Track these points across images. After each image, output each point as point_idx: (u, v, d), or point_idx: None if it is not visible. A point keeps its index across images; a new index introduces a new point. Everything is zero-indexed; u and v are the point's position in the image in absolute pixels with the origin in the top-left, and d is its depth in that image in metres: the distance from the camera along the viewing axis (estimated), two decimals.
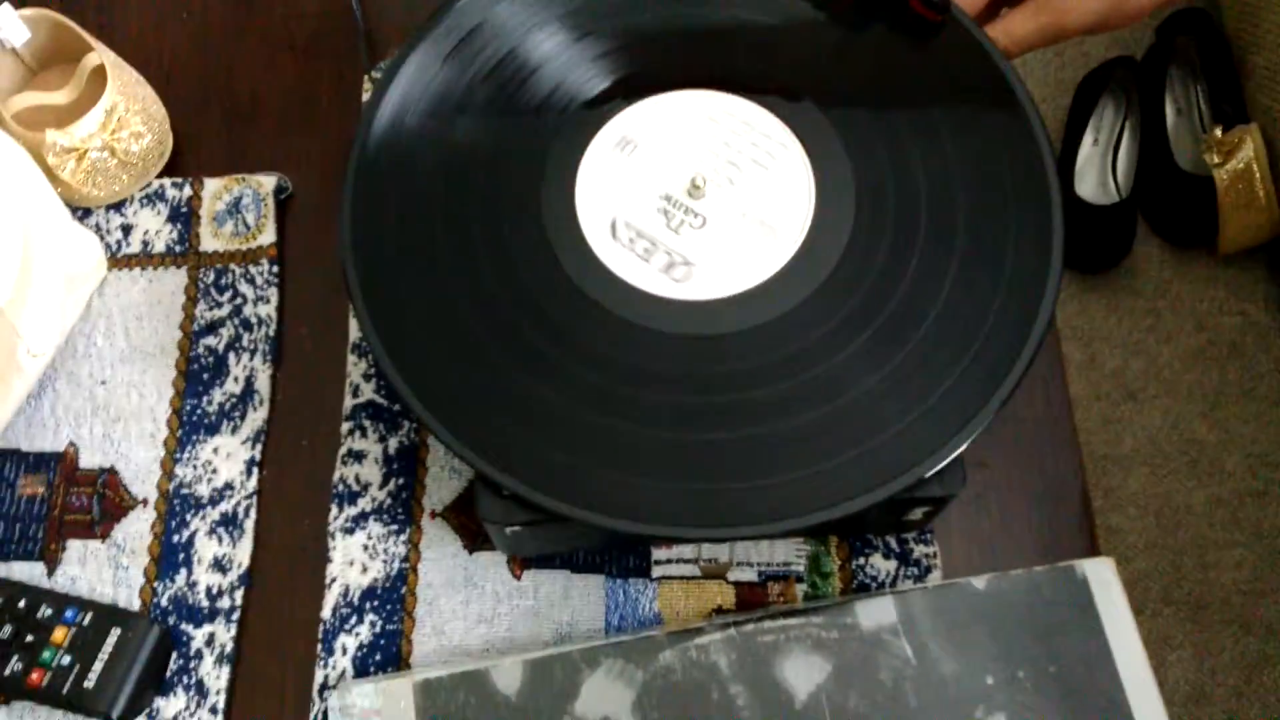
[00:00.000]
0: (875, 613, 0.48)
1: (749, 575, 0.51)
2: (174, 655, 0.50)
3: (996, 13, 0.55)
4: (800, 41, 0.51)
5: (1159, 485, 1.03)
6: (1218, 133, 1.03)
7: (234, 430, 0.54)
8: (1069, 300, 1.09)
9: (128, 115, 0.56)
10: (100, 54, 0.57)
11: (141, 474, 0.53)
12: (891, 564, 0.51)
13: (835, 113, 0.50)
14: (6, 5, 0.56)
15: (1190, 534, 1.00)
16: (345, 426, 0.53)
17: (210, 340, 0.55)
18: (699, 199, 0.48)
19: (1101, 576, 0.49)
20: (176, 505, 0.53)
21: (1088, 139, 1.14)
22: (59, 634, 0.48)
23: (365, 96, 0.60)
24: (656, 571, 0.51)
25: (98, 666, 0.48)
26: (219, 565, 0.51)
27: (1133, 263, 1.11)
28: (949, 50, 0.51)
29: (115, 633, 0.49)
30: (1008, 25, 0.53)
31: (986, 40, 0.51)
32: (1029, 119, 0.49)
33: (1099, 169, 1.14)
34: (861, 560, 0.51)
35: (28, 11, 0.57)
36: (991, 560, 0.52)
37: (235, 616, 0.50)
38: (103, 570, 0.52)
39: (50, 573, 0.52)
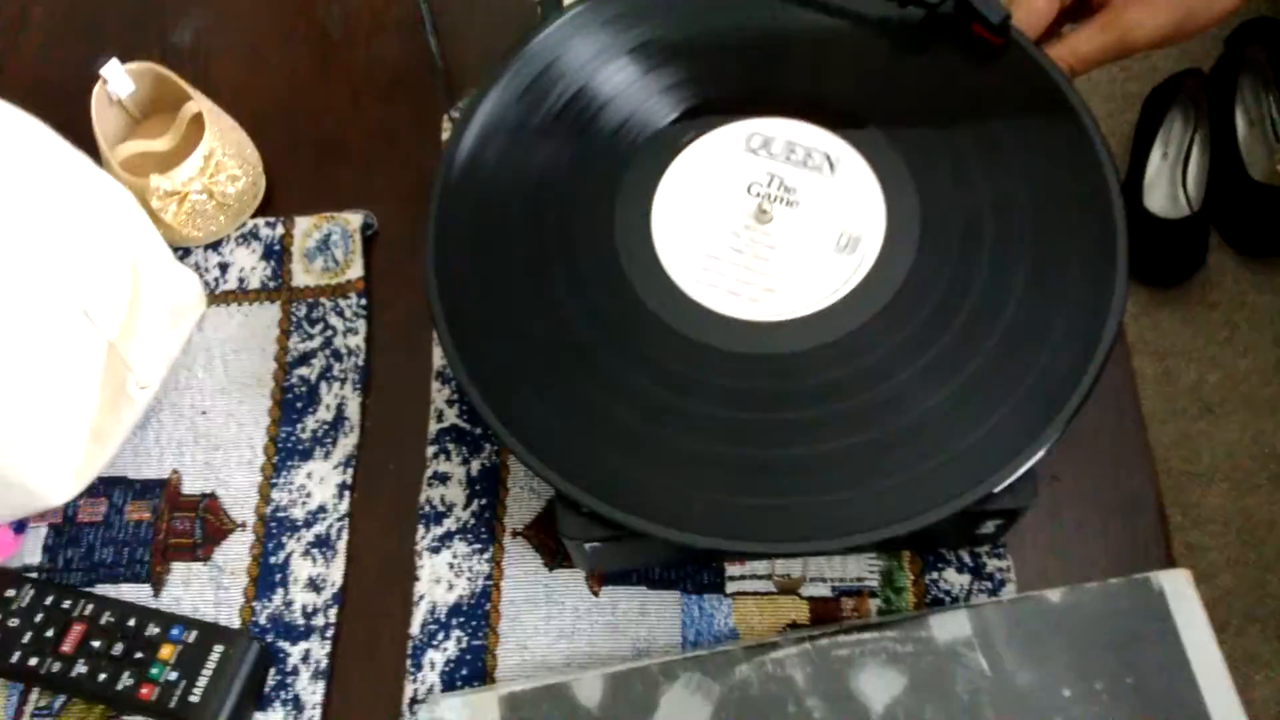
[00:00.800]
0: (950, 626, 0.49)
1: (822, 590, 0.52)
2: (272, 671, 0.53)
3: (1059, 30, 0.56)
4: (866, 67, 0.53)
5: (1240, 501, 1.01)
6: None
7: (326, 455, 0.56)
8: (1142, 315, 1.08)
9: (224, 159, 0.60)
10: (198, 102, 0.61)
11: (240, 499, 0.56)
12: (965, 578, 0.51)
13: (900, 135, 0.51)
14: (114, 61, 0.60)
15: (1274, 550, 0.98)
16: (430, 450, 0.56)
17: (303, 370, 0.58)
18: (767, 223, 0.50)
19: (1178, 588, 0.49)
20: (273, 528, 0.55)
21: (1156, 152, 1.13)
22: (166, 651, 0.51)
23: (444, 135, 0.63)
24: (731, 587, 0.52)
25: (202, 681, 0.50)
26: (313, 585, 0.54)
27: (1206, 275, 1.10)
28: (1011, 71, 0.52)
29: (218, 649, 0.51)
30: (1073, 44, 0.53)
31: (1048, 61, 0.51)
32: (1092, 140, 0.50)
33: (1169, 182, 1.13)
34: (935, 575, 0.52)
35: (133, 65, 0.61)
36: (1066, 573, 0.52)
37: (329, 634, 0.53)
38: (205, 591, 0.54)
39: (156, 593, 0.55)
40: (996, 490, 0.44)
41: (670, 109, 0.52)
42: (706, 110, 0.52)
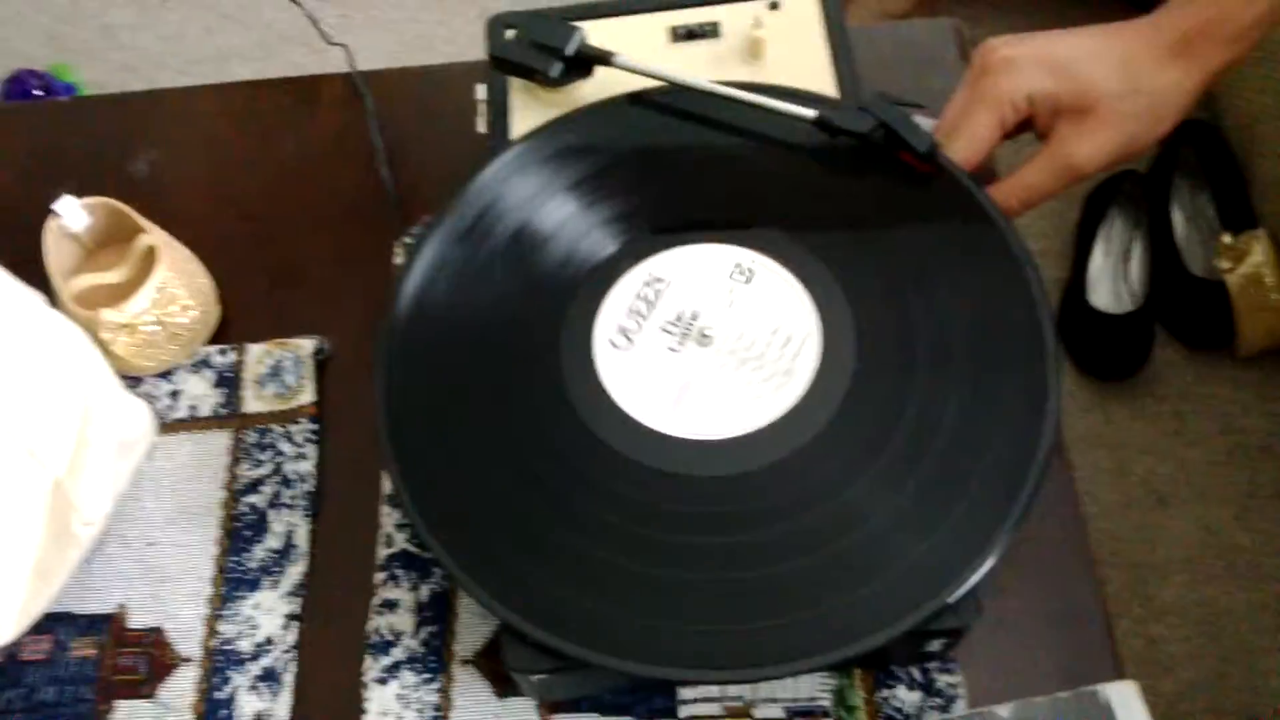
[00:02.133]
0: None
1: (775, 712, 0.52)
2: None
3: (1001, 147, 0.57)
4: (801, 192, 0.55)
5: (1198, 591, 1.02)
6: (1226, 239, 1.05)
7: (274, 585, 0.56)
8: (1093, 409, 1.10)
9: (177, 291, 0.61)
10: (152, 235, 0.61)
11: (187, 632, 0.55)
12: (916, 695, 0.52)
13: (834, 259, 0.53)
14: (68, 196, 0.61)
15: (1235, 641, 0.99)
16: (379, 576, 0.56)
17: (253, 498, 0.58)
18: (708, 347, 0.51)
19: (1125, 699, 0.49)
20: (220, 661, 0.55)
21: (1098, 250, 1.17)
22: None
23: (398, 259, 0.64)
24: (683, 711, 0.52)
25: None
26: None
27: (1154, 369, 1.12)
28: (942, 195, 0.54)
29: None
30: (1022, 177, 0.54)
31: (973, 184, 0.54)
32: (1015, 254, 0.51)
33: (1112, 278, 1.16)
34: (886, 693, 0.52)
35: (88, 200, 0.62)
36: (1016, 686, 0.52)
37: None
38: None
39: None
40: (942, 608, 0.45)
41: (611, 241, 0.54)
42: (645, 240, 0.54)
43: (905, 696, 0.52)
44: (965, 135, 0.54)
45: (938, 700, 0.51)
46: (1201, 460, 1.08)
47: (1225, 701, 0.96)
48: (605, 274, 0.53)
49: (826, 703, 0.52)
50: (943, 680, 0.52)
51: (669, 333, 0.51)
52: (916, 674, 0.52)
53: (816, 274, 0.52)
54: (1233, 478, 1.06)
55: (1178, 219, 1.16)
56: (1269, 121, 1.06)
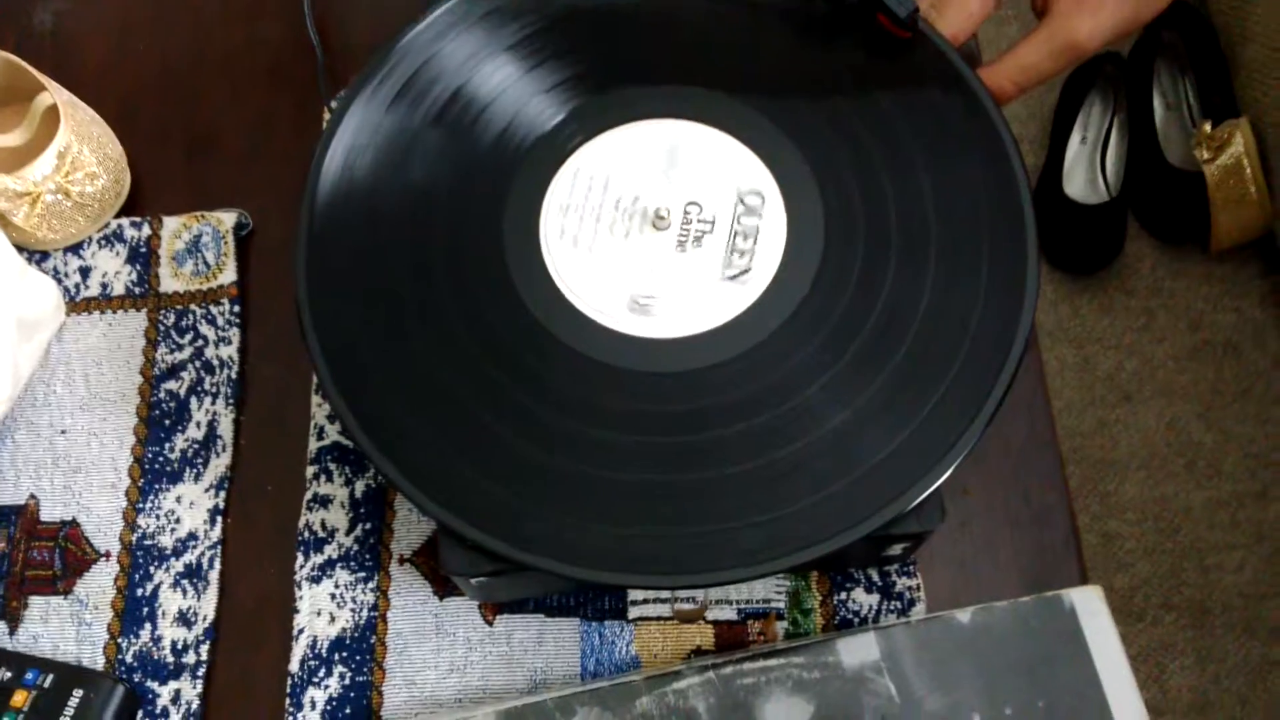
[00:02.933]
0: (858, 650, 0.47)
1: (728, 614, 0.50)
2: (140, 715, 0.49)
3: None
4: (765, 61, 0.50)
5: (1156, 489, 1.01)
6: (1207, 128, 1.01)
7: (197, 478, 0.52)
8: (1061, 302, 1.08)
9: (82, 156, 0.55)
10: (53, 94, 0.56)
11: (104, 526, 0.52)
12: (874, 598, 0.50)
13: (801, 135, 0.48)
14: None
15: (1190, 538, 0.99)
16: (310, 470, 0.52)
17: (171, 385, 0.54)
18: (664, 230, 0.47)
19: (1090, 606, 0.48)
20: (140, 557, 0.51)
21: (1075, 137, 1.13)
22: (19, 698, 0.47)
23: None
24: (633, 613, 0.50)
25: None
26: (184, 619, 0.50)
27: (1124, 262, 1.10)
28: (918, 65, 0.49)
29: (77, 694, 0.47)
30: (1018, 57, 0.50)
31: (955, 55, 0.49)
32: (999, 131, 0.47)
33: (1088, 167, 1.12)
34: (843, 595, 0.50)
35: None
36: (976, 590, 0.50)
37: (201, 672, 0.49)
38: (65, 627, 0.50)
39: (12, 631, 0.50)
40: (905, 511, 0.42)
41: (556, 109, 0.49)
42: (595, 111, 0.49)
43: (862, 599, 0.50)
44: (955, 5, 0.50)
45: (896, 604, 0.49)
46: (1168, 356, 1.06)
47: (1176, 597, 0.97)
48: (551, 148, 0.48)
49: (781, 604, 0.50)
50: (901, 583, 0.50)
51: (620, 216, 0.47)
52: (874, 576, 0.50)
53: (784, 151, 0.48)
54: (1198, 374, 1.05)
55: (1158, 106, 1.12)
56: (1259, 4, 1.01)
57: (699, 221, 0.47)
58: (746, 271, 0.46)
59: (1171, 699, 0.94)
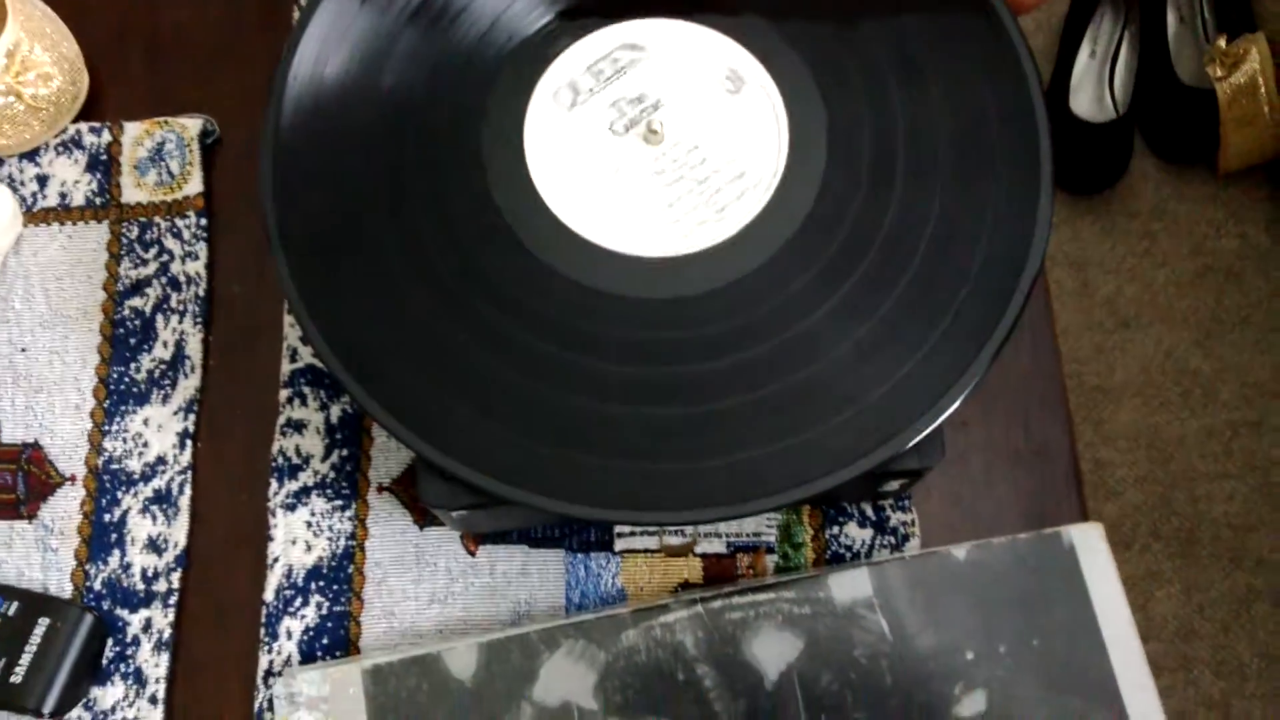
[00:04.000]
0: (849, 585, 0.46)
1: (717, 547, 0.48)
2: (110, 642, 0.47)
3: None
4: None
5: (1150, 417, 1.00)
6: (1222, 43, 0.97)
7: (165, 400, 0.50)
8: (1062, 224, 1.05)
9: (34, 55, 0.51)
10: None
11: (68, 448, 0.50)
12: (867, 533, 0.48)
13: (802, 41, 0.45)
14: None
15: (1181, 467, 0.98)
16: (284, 394, 0.50)
17: (136, 301, 0.51)
18: (657, 144, 0.44)
19: (1090, 543, 0.47)
20: (107, 482, 0.49)
21: (1084, 51, 1.08)
22: None
23: None
24: (619, 545, 0.48)
25: (26, 659, 0.45)
26: (154, 546, 0.48)
27: (1129, 182, 1.06)
28: None
29: (44, 622, 0.46)
30: None
31: None
32: (1015, 47, 0.44)
33: (1095, 83, 1.08)
34: (835, 529, 0.48)
35: None
36: (973, 526, 0.49)
37: (173, 600, 0.48)
38: (30, 553, 0.49)
39: None
40: (905, 449, 0.40)
41: (544, 8, 0.45)
42: (586, 11, 0.45)
43: (855, 534, 0.48)
44: None
45: (889, 539, 0.48)
46: (1168, 281, 1.04)
47: (1165, 526, 0.97)
48: (535, 52, 0.45)
49: (771, 538, 0.48)
50: (895, 518, 0.48)
51: (611, 128, 0.44)
52: (868, 510, 0.48)
53: (783, 60, 0.45)
54: (1198, 301, 1.03)
55: (1171, 19, 1.07)
56: None
57: (694, 166, 0.44)
58: (744, 181, 0.43)
59: (1156, 627, 0.95)
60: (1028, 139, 0.44)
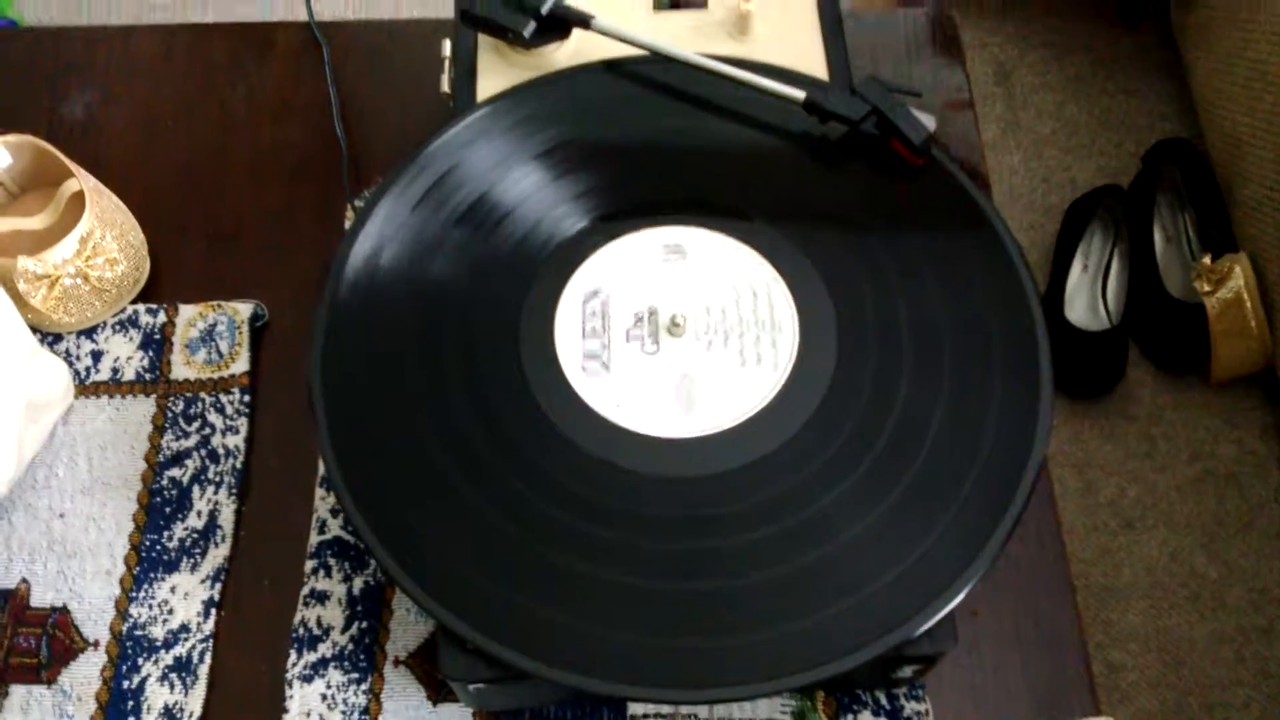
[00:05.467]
0: None
1: None
2: None
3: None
4: (782, 178, 0.51)
5: (1160, 620, 0.99)
6: (1207, 260, 1.03)
7: (194, 568, 0.51)
8: (1062, 426, 1.08)
9: (104, 242, 0.56)
10: (80, 179, 0.57)
11: (94, 614, 0.51)
12: None
13: (815, 249, 0.49)
14: None
15: (1194, 672, 0.97)
16: (309, 565, 0.51)
17: (175, 472, 0.54)
18: (679, 337, 0.47)
19: None
20: (129, 648, 0.50)
21: (1077, 265, 1.14)
22: None
23: (348, 224, 0.60)
24: None
25: None
26: (170, 715, 0.48)
27: (1126, 389, 1.10)
28: (931, 188, 0.50)
29: None
30: None
31: (967, 180, 0.50)
32: (1012, 258, 0.48)
33: (1089, 295, 1.14)
34: (850, 717, 0.48)
35: (10, 137, 0.57)
36: (986, 716, 0.49)
37: None
38: (46, 719, 0.49)
39: None
40: (916, 635, 0.41)
41: (579, 217, 0.50)
42: (615, 219, 0.50)
43: None
44: None
45: None
46: (1170, 485, 1.05)
47: None
48: (571, 253, 0.49)
49: None
50: (910, 707, 0.48)
51: (636, 321, 0.48)
52: (882, 699, 0.49)
53: (797, 266, 0.49)
54: (1200, 505, 1.04)
55: (1158, 238, 1.14)
56: (1254, 145, 1.04)
57: (713, 322, 0.47)
58: (770, 361, 0.46)
59: None
60: (1025, 338, 0.47)
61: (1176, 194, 1.15)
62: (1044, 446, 0.44)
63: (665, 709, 0.48)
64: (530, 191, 0.50)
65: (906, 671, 0.45)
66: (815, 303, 0.48)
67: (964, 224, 0.49)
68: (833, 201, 0.50)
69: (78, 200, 0.57)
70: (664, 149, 0.52)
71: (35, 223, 0.57)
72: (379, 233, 0.49)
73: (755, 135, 0.52)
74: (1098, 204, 1.15)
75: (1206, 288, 1.02)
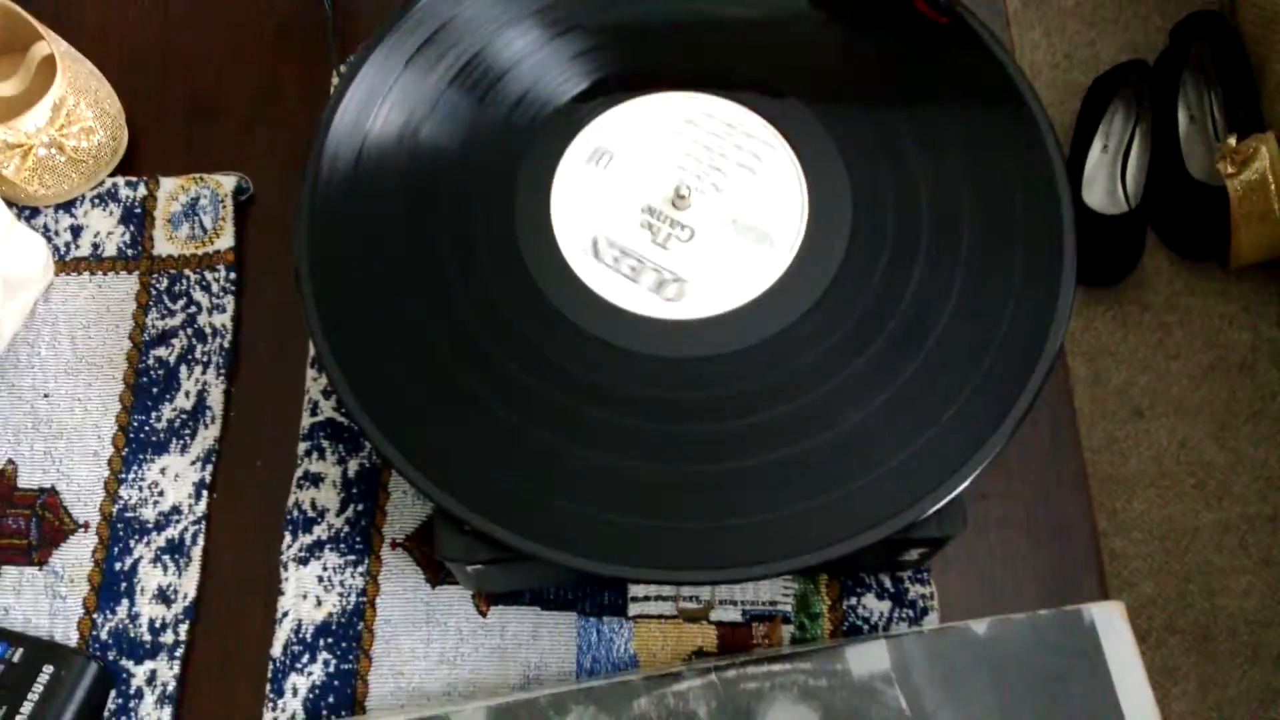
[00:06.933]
0: (867, 659, 0.45)
1: (732, 615, 0.47)
2: (112, 694, 0.46)
3: None
4: (794, 41, 0.48)
5: (1165, 508, 0.99)
6: (1232, 141, 0.99)
7: (183, 449, 0.50)
8: (1075, 314, 1.06)
9: (78, 109, 0.53)
10: (51, 43, 0.53)
11: (84, 495, 0.50)
12: (885, 605, 0.47)
13: (830, 118, 0.46)
14: None
15: (1197, 559, 0.97)
16: (302, 447, 0.50)
17: (161, 351, 0.52)
18: (684, 209, 0.45)
19: (1111, 622, 0.46)
20: (120, 530, 0.49)
21: (1097, 145, 1.11)
22: None
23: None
24: (633, 609, 0.47)
25: (27, 708, 0.44)
26: (163, 596, 0.48)
27: (1141, 275, 1.08)
28: (955, 53, 0.47)
29: (48, 670, 0.45)
30: None
31: (995, 42, 0.47)
32: (1040, 127, 0.45)
33: (1108, 177, 1.10)
34: (853, 600, 0.47)
35: None
36: (992, 601, 0.48)
37: (179, 653, 0.47)
38: (39, 600, 0.48)
39: None
40: (924, 516, 0.40)
41: (577, 79, 0.47)
42: (616, 82, 0.47)
43: (873, 605, 0.47)
44: None
45: (908, 612, 0.47)
46: (1182, 373, 1.04)
47: (1181, 620, 0.95)
48: (570, 118, 0.46)
49: (788, 607, 0.47)
50: (914, 590, 0.48)
51: (637, 192, 0.45)
52: (886, 582, 0.48)
53: (813, 138, 0.46)
54: (1212, 393, 1.03)
55: (1182, 118, 1.10)
56: None
57: (720, 192, 0.45)
58: (779, 236, 0.43)
59: None
60: (1050, 215, 0.44)
61: (1204, 71, 1.10)
62: (1062, 330, 0.42)
63: (666, 590, 0.48)
64: (528, 50, 0.47)
65: (913, 555, 0.44)
66: (830, 176, 0.45)
67: (990, 93, 0.46)
68: (852, 67, 0.47)
69: (49, 65, 0.53)
70: (669, 10, 0.48)
71: (4, 89, 0.54)
72: (366, 96, 0.46)
73: None
74: (1121, 81, 1.10)
75: (1230, 170, 0.99)
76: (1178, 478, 1.00)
